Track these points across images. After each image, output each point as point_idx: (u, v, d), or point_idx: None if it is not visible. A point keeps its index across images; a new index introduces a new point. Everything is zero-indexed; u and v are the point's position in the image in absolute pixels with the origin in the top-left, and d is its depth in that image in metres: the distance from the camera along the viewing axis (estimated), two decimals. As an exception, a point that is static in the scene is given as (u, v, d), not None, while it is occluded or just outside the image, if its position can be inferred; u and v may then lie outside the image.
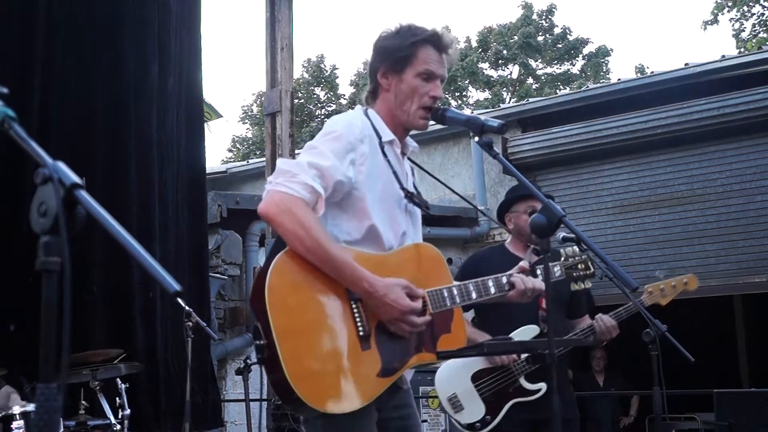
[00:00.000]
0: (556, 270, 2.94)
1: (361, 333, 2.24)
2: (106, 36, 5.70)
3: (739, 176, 7.47)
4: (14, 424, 3.94)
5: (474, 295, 2.47)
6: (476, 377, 3.73)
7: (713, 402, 5.26)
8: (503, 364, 3.70)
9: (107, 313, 5.43)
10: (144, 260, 1.24)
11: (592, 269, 3.05)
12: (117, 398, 4.51)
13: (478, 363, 3.75)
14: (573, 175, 8.30)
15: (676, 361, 3.66)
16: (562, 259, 3.06)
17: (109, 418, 4.39)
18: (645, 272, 7.59)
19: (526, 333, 3.69)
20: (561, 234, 3.32)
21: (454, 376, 3.78)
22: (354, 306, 2.25)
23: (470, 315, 3.85)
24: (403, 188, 2.40)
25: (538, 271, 2.78)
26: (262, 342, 2.14)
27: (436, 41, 2.43)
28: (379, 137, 2.39)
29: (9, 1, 5.28)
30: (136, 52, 5.85)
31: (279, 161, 2.32)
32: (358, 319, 2.25)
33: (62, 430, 4.16)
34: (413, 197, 2.44)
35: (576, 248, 3.06)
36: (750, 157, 7.45)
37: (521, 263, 2.73)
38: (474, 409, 3.69)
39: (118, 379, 4.55)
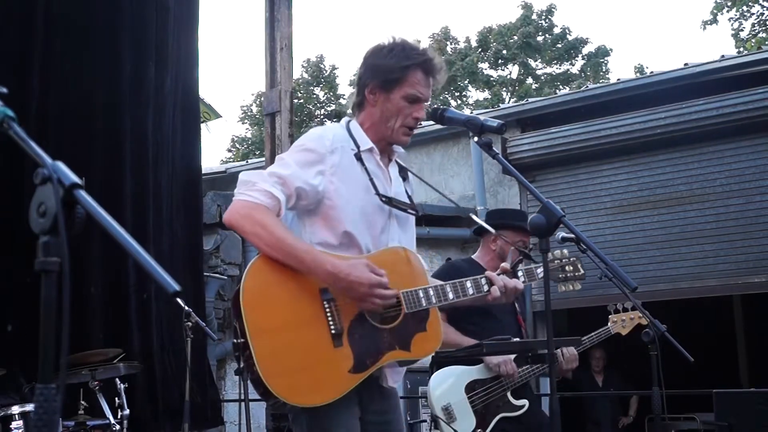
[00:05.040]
0: (539, 272, 2.93)
1: (333, 331, 2.34)
2: (104, 36, 5.70)
3: (738, 176, 7.47)
4: (13, 425, 3.93)
5: (451, 296, 2.54)
6: (470, 388, 3.78)
7: (713, 402, 5.26)
8: (498, 375, 3.74)
9: (105, 313, 5.43)
10: (143, 260, 1.24)
11: (582, 271, 3.06)
12: (116, 398, 4.50)
13: (472, 374, 3.80)
14: (572, 175, 8.29)
15: (675, 361, 3.66)
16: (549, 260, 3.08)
17: (108, 418, 4.39)
18: (644, 272, 7.59)
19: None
20: (560, 234, 3.33)
21: (448, 386, 3.81)
22: (327, 305, 2.36)
23: None
24: (378, 194, 2.48)
25: (519, 273, 2.82)
26: (239, 341, 2.28)
27: (426, 66, 2.53)
28: (357, 147, 2.51)
29: (8, 1, 5.27)
30: (134, 52, 5.85)
31: (242, 174, 2.44)
32: (330, 318, 2.35)
33: (61, 430, 4.16)
34: (392, 201, 2.52)
35: (565, 251, 3.08)
36: (749, 157, 7.44)
37: (503, 264, 2.79)
38: (466, 422, 3.74)
39: (117, 379, 4.55)
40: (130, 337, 5.48)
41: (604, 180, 8.13)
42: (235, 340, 2.29)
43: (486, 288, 2.63)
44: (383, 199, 2.50)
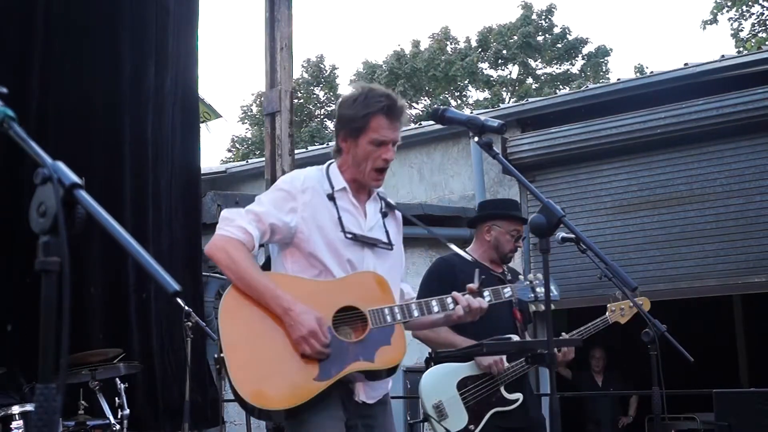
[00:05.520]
0: (505, 291, 3.04)
1: None
2: (104, 36, 5.70)
3: (738, 176, 7.46)
4: (13, 424, 3.94)
5: (416, 313, 2.78)
6: (462, 385, 3.77)
7: (713, 402, 5.26)
8: (494, 373, 3.74)
9: (105, 313, 5.43)
10: (143, 260, 1.24)
11: (555, 292, 3.09)
12: (116, 398, 4.50)
13: (464, 370, 3.79)
14: (572, 175, 8.29)
15: (675, 361, 3.66)
16: (526, 282, 3.12)
17: (108, 418, 4.39)
18: (644, 272, 7.59)
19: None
20: (560, 234, 3.33)
21: (440, 383, 3.80)
22: None
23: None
24: (344, 230, 2.77)
25: (485, 293, 2.94)
26: (220, 354, 2.63)
27: (388, 112, 2.77)
28: (332, 187, 2.82)
29: (8, 1, 5.27)
30: (134, 52, 5.85)
31: (224, 211, 2.79)
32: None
33: (61, 430, 4.16)
34: (357, 237, 2.79)
35: (539, 275, 3.09)
36: (749, 157, 7.44)
37: (469, 285, 2.92)
38: (458, 418, 3.72)
39: (117, 379, 4.55)
40: (130, 337, 5.48)
41: (604, 180, 8.12)
42: (216, 355, 2.67)
43: (451, 307, 2.84)
44: (348, 235, 2.77)
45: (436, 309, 2.82)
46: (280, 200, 2.76)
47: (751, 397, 5.34)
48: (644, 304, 3.87)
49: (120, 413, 4.47)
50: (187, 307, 4.46)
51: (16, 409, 3.98)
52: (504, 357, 3.76)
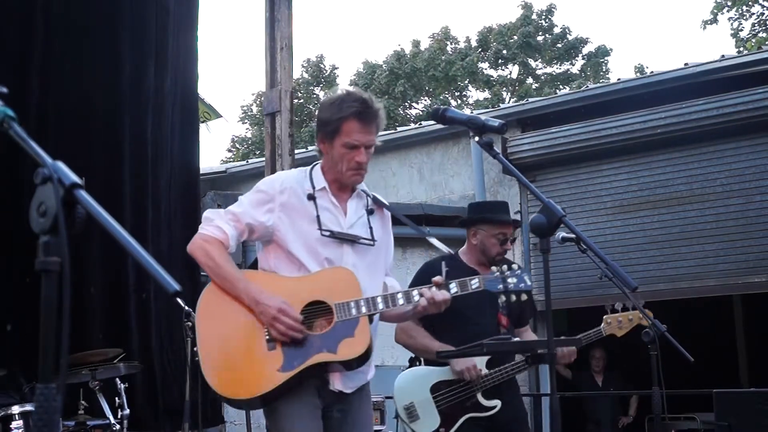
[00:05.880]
0: (472, 283, 3.01)
1: (267, 337, 2.81)
2: (104, 36, 5.70)
3: (738, 176, 7.46)
4: (13, 424, 3.94)
5: (381, 306, 2.87)
6: (435, 389, 3.75)
7: (713, 402, 5.26)
8: (466, 379, 3.70)
9: (104, 313, 5.43)
10: (144, 260, 1.24)
11: (528, 282, 3.04)
12: (116, 398, 4.50)
13: (438, 375, 3.77)
14: (572, 175, 8.29)
15: (675, 361, 3.66)
16: (497, 272, 3.07)
17: (108, 418, 4.39)
18: (644, 272, 7.59)
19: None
20: (561, 234, 3.33)
21: (413, 385, 3.80)
22: None
23: None
24: (320, 228, 2.91)
25: (452, 285, 2.95)
26: (196, 349, 2.87)
27: (360, 116, 2.88)
28: (313, 187, 2.96)
29: (8, 1, 5.27)
30: (134, 52, 5.84)
31: (206, 212, 2.98)
32: (265, 327, 2.81)
33: (62, 430, 4.16)
34: (334, 234, 2.92)
35: (514, 265, 3.05)
36: (749, 157, 7.43)
37: (435, 278, 2.96)
38: (429, 420, 3.71)
39: (117, 379, 4.55)
40: (130, 337, 5.48)
41: (605, 180, 8.12)
42: (193, 348, 2.84)
43: (416, 299, 2.92)
44: (325, 233, 2.90)
45: (401, 301, 2.91)
46: (258, 201, 2.93)
47: (751, 397, 5.34)
48: (635, 319, 3.84)
49: (120, 413, 4.47)
50: (186, 307, 4.45)
51: (16, 409, 3.98)
52: (479, 363, 3.71)
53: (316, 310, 2.84)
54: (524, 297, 3.03)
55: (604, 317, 3.91)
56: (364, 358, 2.84)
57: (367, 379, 3.04)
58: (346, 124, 2.89)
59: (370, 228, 3.02)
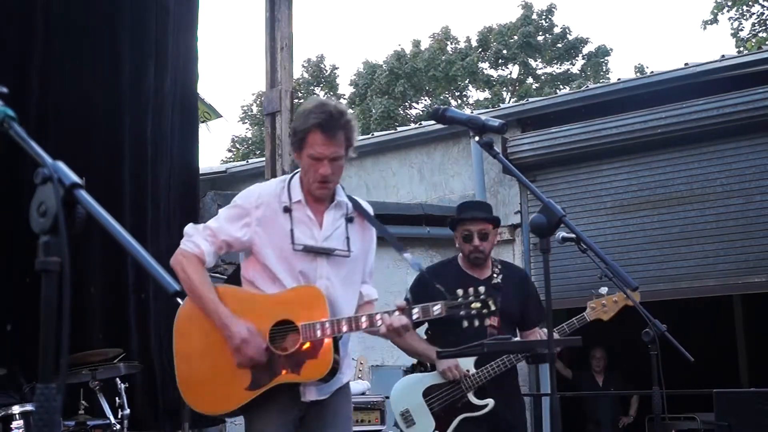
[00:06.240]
0: (434, 309, 2.94)
1: None
2: (104, 36, 5.70)
3: (738, 176, 7.45)
4: (14, 424, 3.93)
5: (345, 328, 2.90)
6: (427, 393, 3.82)
7: (713, 402, 5.26)
8: (454, 380, 3.74)
9: (104, 313, 5.42)
10: (144, 260, 1.24)
11: (492, 308, 2.95)
12: (116, 398, 4.50)
13: (429, 379, 3.83)
14: (572, 174, 8.28)
15: (675, 361, 3.65)
16: (460, 297, 2.98)
17: (108, 418, 4.39)
18: (644, 272, 7.58)
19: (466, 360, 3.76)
20: (561, 234, 3.33)
21: (407, 392, 3.86)
22: None
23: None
24: (293, 243, 2.94)
25: (414, 310, 2.94)
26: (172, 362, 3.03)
27: (322, 127, 2.88)
28: (290, 199, 2.99)
29: (8, 1, 5.27)
30: (134, 52, 5.84)
31: (186, 227, 3.07)
32: None
33: (62, 430, 4.16)
34: (306, 248, 2.95)
35: (481, 288, 2.98)
36: (749, 156, 7.43)
37: (398, 302, 2.96)
38: (425, 424, 3.77)
39: (117, 379, 4.55)
40: (130, 337, 5.47)
41: (605, 180, 8.12)
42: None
43: (379, 323, 2.93)
44: (298, 247, 2.95)
45: (364, 325, 2.93)
46: (235, 216, 3.01)
47: (751, 397, 5.34)
48: (620, 300, 3.82)
49: (120, 413, 4.46)
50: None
51: (16, 409, 3.98)
52: (467, 364, 3.74)
53: (285, 328, 2.92)
54: (487, 322, 3.04)
55: (588, 303, 3.89)
56: (329, 376, 2.91)
57: (344, 382, 3.11)
58: (311, 136, 2.91)
59: (347, 238, 3.04)
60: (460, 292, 2.97)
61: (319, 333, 2.87)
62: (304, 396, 2.97)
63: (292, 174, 3.10)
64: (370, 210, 3.16)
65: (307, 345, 2.88)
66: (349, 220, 3.07)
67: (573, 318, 3.90)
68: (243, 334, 2.84)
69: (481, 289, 2.98)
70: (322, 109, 2.92)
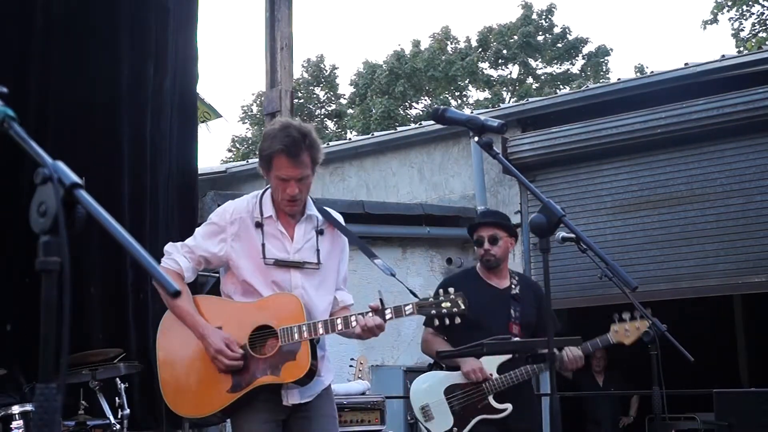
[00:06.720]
0: (406, 308, 3.09)
1: None
2: (104, 36, 5.69)
3: (738, 176, 7.46)
4: (13, 424, 3.93)
5: (321, 331, 3.03)
6: (449, 391, 3.92)
7: (713, 402, 5.26)
8: (477, 381, 3.85)
9: (104, 313, 5.42)
10: (144, 260, 1.24)
11: (462, 306, 3.07)
12: (116, 398, 4.50)
13: (452, 378, 3.94)
14: (572, 174, 8.28)
15: (675, 361, 3.66)
16: (431, 297, 3.12)
17: (108, 418, 4.38)
18: (645, 272, 7.59)
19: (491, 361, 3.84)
20: (560, 234, 3.33)
21: (429, 388, 3.98)
22: None
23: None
24: (264, 257, 3.09)
25: (387, 311, 3.05)
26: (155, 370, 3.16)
27: (287, 152, 2.99)
28: (261, 215, 3.13)
29: (8, 1, 5.27)
30: (133, 52, 5.83)
31: (166, 246, 3.22)
32: None
33: (62, 430, 4.16)
34: (277, 262, 3.10)
35: (451, 289, 3.09)
36: (750, 156, 7.43)
37: (371, 303, 3.07)
38: (443, 420, 3.88)
39: (117, 379, 4.55)
40: (129, 337, 5.47)
41: (605, 180, 8.12)
42: (156, 370, 3.15)
43: (353, 324, 3.04)
44: (269, 261, 3.09)
45: (340, 327, 3.05)
46: (211, 233, 3.16)
47: (751, 397, 5.35)
48: (641, 327, 3.85)
49: (120, 413, 4.46)
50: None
51: (16, 409, 3.98)
52: (491, 368, 3.86)
53: (265, 333, 3.05)
54: (458, 320, 3.10)
55: (612, 326, 3.95)
56: (307, 378, 3.03)
57: (326, 385, 3.22)
58: (276, 160, 3.03)
59: (318, 251, 3.17)
60: (430, 292, 3.15)
61: (296, 336, 3.00)
62: (286, 399, 3.08)
63: (264, 189, 3.21)
64: (341, 219, 3.29)
65: (285, 348, 3.00)
66: (320, 232, 3.21)
67: (596, 338, 3.95)
68: (217, 345, 2.99)
69: (451, 289, 3.11)
70: (286, 133, 3.02)
